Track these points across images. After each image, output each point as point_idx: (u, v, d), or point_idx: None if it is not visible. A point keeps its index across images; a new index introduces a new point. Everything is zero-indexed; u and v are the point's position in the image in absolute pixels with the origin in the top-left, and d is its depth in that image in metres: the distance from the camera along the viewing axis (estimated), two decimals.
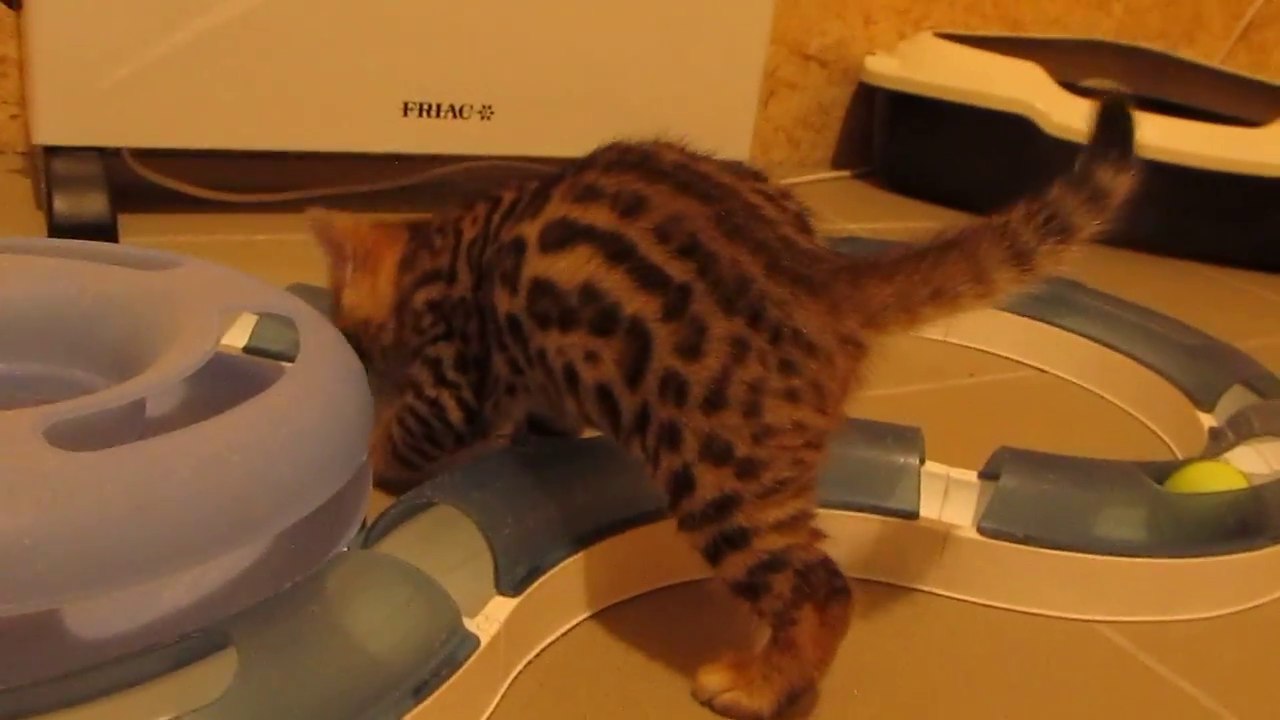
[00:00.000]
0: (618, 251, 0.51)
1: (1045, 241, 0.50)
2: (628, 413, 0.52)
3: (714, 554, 0.51)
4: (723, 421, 0.49)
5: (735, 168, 0.56)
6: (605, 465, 0.60)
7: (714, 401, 0.49)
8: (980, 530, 0.65)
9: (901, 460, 0.67)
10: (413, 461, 0.66)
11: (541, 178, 0.59)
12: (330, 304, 0.68)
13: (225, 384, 0.61)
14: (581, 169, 0.55)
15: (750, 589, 0.51)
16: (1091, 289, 1.04)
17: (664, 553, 0.58)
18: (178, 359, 0.53)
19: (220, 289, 0.62)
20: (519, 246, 0.55)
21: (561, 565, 0.56)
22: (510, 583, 0.53)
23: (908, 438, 0.68)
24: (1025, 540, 0.64)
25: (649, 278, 0.50)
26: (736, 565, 0.51)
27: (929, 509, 0.66)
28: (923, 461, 0.67)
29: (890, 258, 0.51)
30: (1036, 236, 0.50)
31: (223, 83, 1.04)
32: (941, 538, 0.65)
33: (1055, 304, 1.02)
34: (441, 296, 0.63)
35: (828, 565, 0.52)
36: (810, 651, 0.52)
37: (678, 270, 0.50)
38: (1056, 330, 1.01)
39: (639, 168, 0.53)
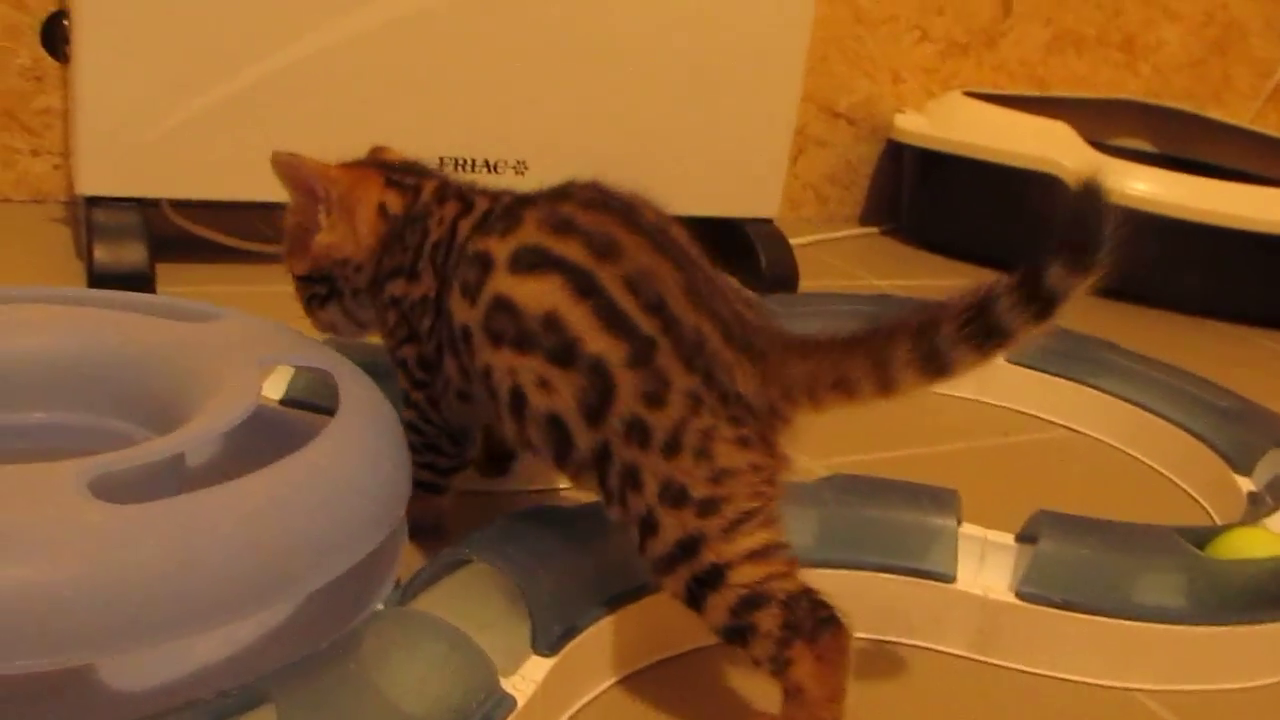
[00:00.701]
0: (586, 288, 0.53)
1: (963, 345, 0.50)
2: (583, 448, 0.54)
3: (693, 599, 0.52)
4: (679, 465, 0.51)
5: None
6: None
7: (672, 446, 0.51)
8: (1019, 595, 0.64)
9: (938, 522, 0.66)
10: (432, 484, 0.66)
11: (515, 195, 0.61)
12: (286, 247, 0.68)
13: (262, 436, 0.62)
14: (557, 199, 0.57)
15: (738, 632, 0.51)
16: (1126, 349, 1.03)
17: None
18: (219, 413, 0.53)
19: (260, 342, 0.62)
20: (485, 262, 0.57)
21: (598, 625, 0.55)
22: (547, 642, 0.52)
23: (944, 499, 0.67)
24: (1064, 605, 0.63)
25: (615, 321, 0.52)
26: (718, 607, 0.51)
27: (965, 572, 0.65)
28: (959, 523, 0.67)
29: (816, 339, 0.53)
30: (955, 340, 0.50)
31: (260, 136, 1.05)
32: (979, 602, 0.64)
33: (1090, 364, 1.01)
34: (403, 294, 0.64)
35: (811, 595, 0.51)
36: (815, 690, 0.51)
37: (645, 324, 0.52)
38: (1091, 391, 1.00)
39: (618, 214, 0.55)
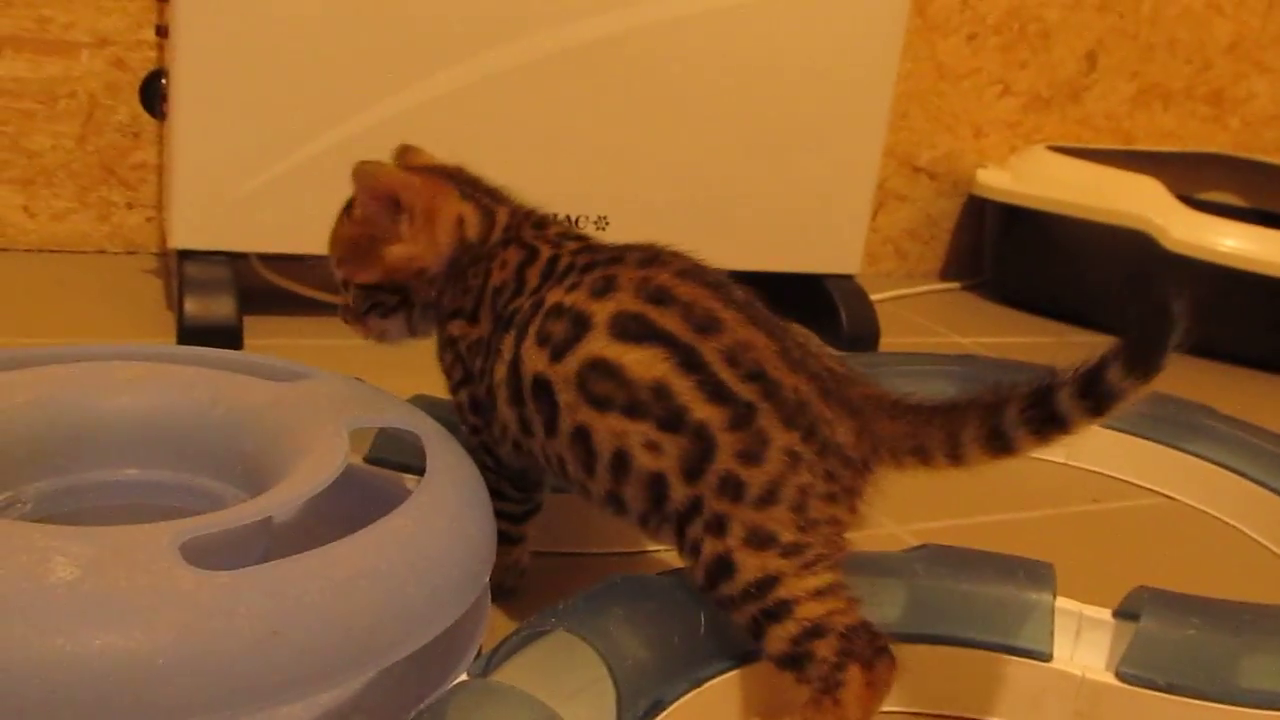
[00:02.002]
0: (691, 363, 0.56)
1: (1024, 429, 0.53)
2: (676, 501, 0.56)
3: (757, 630, 0.55)
4: (771, 515, 0.54)
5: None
6: None
7: (767, 499, 0.54)
8: (1119, 676, 0.61)
9: (1033, 597, 0.64)
10: (505, 533, 0.64)
11: (587, 245, 0.63)
12: (342, 255, 0.68)
13: (347, 495, 0.62)
14: (649, 263, 0.59)
15: (795, 660, 0.54)
16: (1224, 414, 1.00)
17: (789, 689, 0.56)
18: (307, 476, 0.54)
19: (347, 403, 0.62)
20: (580, 320, 0.57)
21: (684, 699, 0.54)
22: (633, 716, 0.51)
23: (1039, 573, 0.65)
24: (1168, 689, 0.61)
25: (717, 392, 0.55)
26: (780, 638, 0.54)
27: (1062, 650, 0.63)
28: (1055, 598, 0.64)
29: (902, 402, 0.57)
30: (1017, 422, 0.53)
31: (346, 192, 1.07)
32: (1076, 682, 0.62)
33: (1185, 429, 0.98)
34: (461, 335, 0.64)
35: (868, 628, 0.54)
36: (853, 711, 0.53)
37: (745, 391, 0.55)
38: (1186, 456, 0.97)
39: (713, 288, 0.58)
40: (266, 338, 1.07)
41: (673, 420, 0.55)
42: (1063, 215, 1.49)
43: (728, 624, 0.57)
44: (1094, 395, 0.51)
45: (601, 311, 0.57)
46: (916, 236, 1.69)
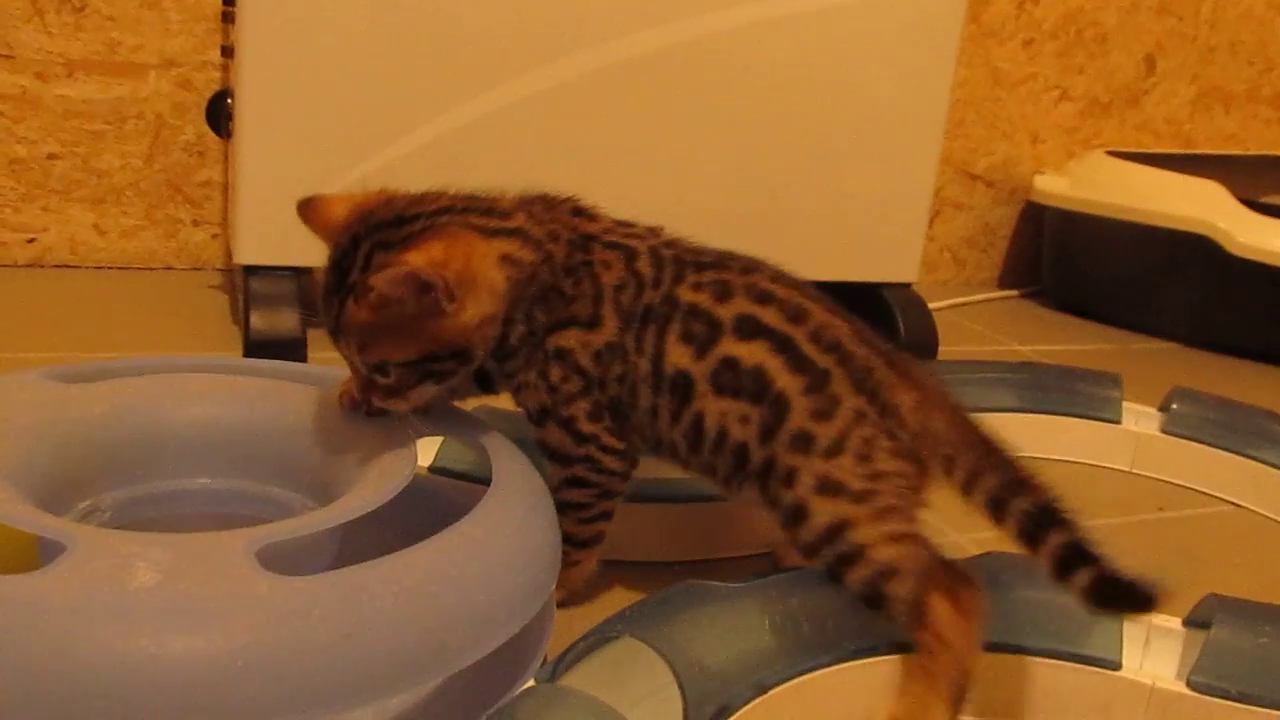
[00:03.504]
0: (784, 346, 0.63)
1: (1015, 525, 0.59)
2: (754, 463, 0.62)
3: (835, 574, 0.59)
4: (839, 464, 0.60)
5: None
6: (793, 601, 0.59)
7: (833, 450, 0.60)
8: (1190, 685, 0.60)
9: None
10: (590, 538, 0.67)
11: (653, 232, 0.69)
12: (364, 340, 0.60)
13: (412, 504, 0.63)
14: (750, 271, 0.66)
15: (873, 600, 0.59)
16: None
17: (857, 695, 0.56)
18: (377, 485, 0.55)
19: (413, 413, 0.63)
20: (714, 324, 0.64)
21: (751, 705, 0.54)
22: None
23: None
24: (1240, 698, 0.60)
25: (800, 364, 0.62)
26: (855, 580, 0.59)
27: (1131, 659, 0.62)
28: None
29: (963, 413, 0.63)
30: (1014, 514, 0.59)
31: None
32: (1146, 691, 0.61)
33: (1252, 436, 0.97)
34: (580, 344, 0.64)
35: (947, 563, 0.59)
36: (954, 638, 0.57)
37: (822, 360, 0.62)
38: (1253, 464, 0.96)
39: (798, 288, 0.66)
40: (330, 350, 1.08)
41: (760, 393, 0.62)
42: (1123, 220, 1.48)
43: (794, 631, 0.58)
44: (1059, 572, 0.58)
45: (727, 314, 0.64)
46: (974, 244, 1.68)
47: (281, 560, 0.47)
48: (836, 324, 0.64)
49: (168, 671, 0.42)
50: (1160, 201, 1.45)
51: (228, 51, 1.23)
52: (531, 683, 0.53)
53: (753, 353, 0.63)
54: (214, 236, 1.34)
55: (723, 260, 0.67)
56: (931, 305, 1.32)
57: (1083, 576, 0.57)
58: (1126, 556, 0.71)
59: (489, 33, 1.08)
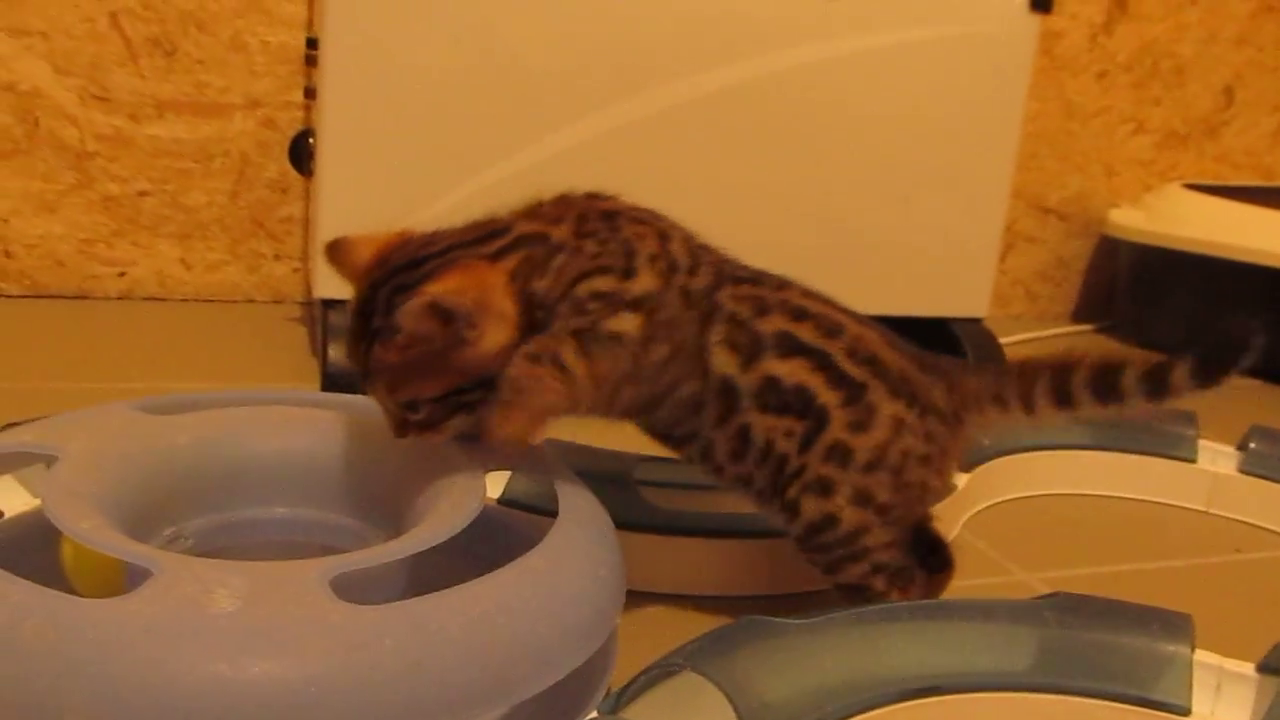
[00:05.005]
0: (822, 364, 0.66)
1: (1088, 392, 0.65)
2: (788, 471, 0.65)
3: (834, 568, 0.66)
4: (876, 479, 0.65)
5: None
6: (855, 638, 0.59)
7: (873, 465, 0.65)
8: None
9: (1170, 649, 0.62)
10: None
11: (721, 256, 0.69)
12: (394, 380, 0.61)
13: (481, 534, 0.64)
14: (782, 288, 0.68)
15: (857, 589, 0.66)
16: None
17: None
18: (447, 516, 0.56)
19: (483, 447, 0.65)
20: (756, 340, 0.66)
21: None
22: None
23: (1176, 624, 0.63)
24: None
25: (839, 380, 0.65)
26: (852, 574, 0.66)
27: (1201, 705, 0.61)
28: (1193, 650, 0.63)
29: (980, 365, 0.72)
30: (1081, 385, 0.65)
31: None
32: None
33: None
34: (614, 289, 0.63)
35: (909, 568, 0.67)
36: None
37: (859, 374, 0.65)
38: None
39: (829, 302, 0.69)
40: None
41: (803, 409, 0.65)
42: (1201, 255, 1.45)
43: (855, 668, 0.58)
44: (1156, 385, 0.63)
45: (766, 330, 0.66)
46: (1047, 278, 1.66)
47: (353, 589, 0.49)
48: (869, 335, 0.67)
49: (242, 695, 0.44)
50: (1239, 235, 1.43)
51: (310, 93, 1.27)
52: (594, 715, 0.54)
53: (793, 371, 0.65)
54: (295, 270, 1.38)
55: (757, 276, 0.68)
56: (1004, 340, 1.31)
57: (1182, 365, 0.62)
58: (1202, 600, 0.70)
59: (560, 72, 1.10)
